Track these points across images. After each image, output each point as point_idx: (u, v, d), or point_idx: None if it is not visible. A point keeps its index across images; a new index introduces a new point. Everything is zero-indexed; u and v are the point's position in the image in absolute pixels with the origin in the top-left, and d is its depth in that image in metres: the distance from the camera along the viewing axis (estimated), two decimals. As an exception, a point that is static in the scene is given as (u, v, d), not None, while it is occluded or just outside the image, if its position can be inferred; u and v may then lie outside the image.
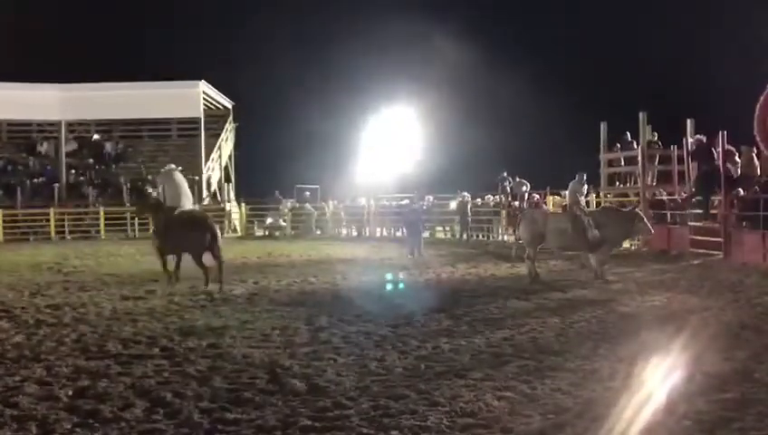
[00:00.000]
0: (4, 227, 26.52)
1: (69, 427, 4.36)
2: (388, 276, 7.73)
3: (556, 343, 6.68)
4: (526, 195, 22.10)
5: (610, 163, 19.25)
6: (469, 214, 22.86)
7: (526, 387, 5.08)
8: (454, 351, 6.30)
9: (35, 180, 30.48)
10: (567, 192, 12.88)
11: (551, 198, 20.74)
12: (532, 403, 4.73)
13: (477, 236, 23.10)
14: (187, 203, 11.48)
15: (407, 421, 4.35)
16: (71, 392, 5.10)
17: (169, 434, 4.22)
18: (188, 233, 10.68)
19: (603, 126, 19.07)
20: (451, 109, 31.23)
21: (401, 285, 7.51)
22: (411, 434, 4.15)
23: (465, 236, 22.70)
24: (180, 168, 12.88)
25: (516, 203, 22.13)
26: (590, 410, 4.55)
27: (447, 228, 24.83)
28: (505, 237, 21.99)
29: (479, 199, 23.90)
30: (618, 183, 19.41)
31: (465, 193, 23.66)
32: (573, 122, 27.09)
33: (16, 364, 5.98)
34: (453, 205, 24.40)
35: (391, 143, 32.43)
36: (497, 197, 23.32)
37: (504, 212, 22.38)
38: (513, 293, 9.94)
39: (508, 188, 22.90)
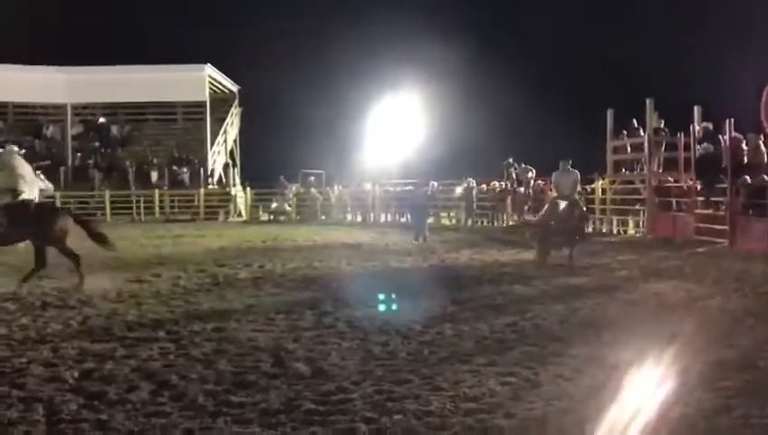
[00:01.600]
0: (11, 210, 26.57)
1: (75, 408, 4.40)
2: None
3: (559, 329, 6.69)
4: (531, 181, 22.06)
5: (616, 150, 19.18)
6: (474, 200, 22.85)
7: (529, 373, 5.09)
8: (457, 336, 6.33)
9: (41, 163, 30.54)
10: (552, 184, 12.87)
11: (556, 184, 20.70)
12: (536, 389, 4.75)
13: (482, 222, 23.10)
14: (26, 188, 10.66)
15: (410, 406, 4.38)
16: (77, 374, 5.14)
17: (175, 416, 4.24)
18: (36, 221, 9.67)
19: (609, 113, 18.99)
20: (456, 94, 31.12)
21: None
22: (415, 418, 4.17)
23: (470, 221, 22.72)
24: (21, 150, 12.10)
25: (522, 189, 22.10)
26: (592, 396, 4.57)
27: (452, 214, 24.83)
28: (510, 223, 22.00)
29: (484, 185, 23.87)
30: (624, 170, 19.35)
31: (471, 179, 23.62)
32: (579, 109, 27.02)
33: (23, 346, 6.02)
34: (458, 190, 24.38)
35: (396, 129, 32.37)
36: (503, 183, 23.28)
37: (509, 198, 22.36)
38: (517, 279, 9.95)
39: (514, 175, 22.87)
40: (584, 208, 11.73)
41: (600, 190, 18.95)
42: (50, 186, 15.62)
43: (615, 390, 4.67)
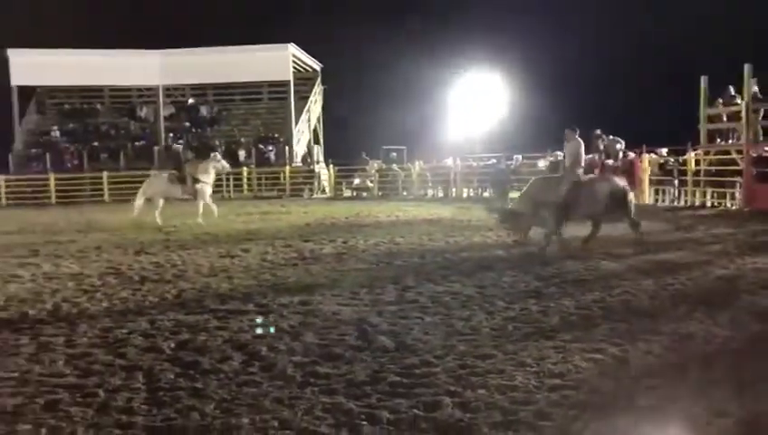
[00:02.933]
0: (110, 189, 28.01)
1: (172, 377, 4.63)
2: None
3: (649, 305, 6.51)
4: (621, 153, 21.35)
5: (711, 119, 18.27)
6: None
7: (617, 350, 4.99)
8: (542, 312, 6.25)
9: (136, 143, 31.97)
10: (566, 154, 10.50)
11: (647, 156, 19.94)
12: (623, 366, 4.65)
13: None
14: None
15: (493, 381, 4.38)
16: (173, 345, 5.41)
17: (265, 386, 4.40)
18: None
19: (704, 79, 18.06)
20: (541, 66, 30.38)
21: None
22: (498, 393, 4.17)
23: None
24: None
25: (610, 161, 21.43)
26: (683, 374, 4.44)
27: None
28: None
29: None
30: (719, 140, 18.43)
31: (559, 152, 23.09)
32: (670, 76, 25.85)
33: (123, 318, 6.37)
34: (541, 164, 23.91)
35: (478, 103, 31.95)
36: (590, 155, 22.64)
37: (597, 171, 21.74)
38: (603, 254, 9.70)
39: (601, 147, 22.18)
40: (579, 182, 9.97)
41: (693, 162, 18.13)
42: (226, 166, 17.06)
43: (707, 368, 4.52)
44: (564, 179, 10.08)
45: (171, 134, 32.62)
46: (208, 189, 16.06)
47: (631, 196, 10.44)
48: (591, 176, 10.25)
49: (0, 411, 4.03)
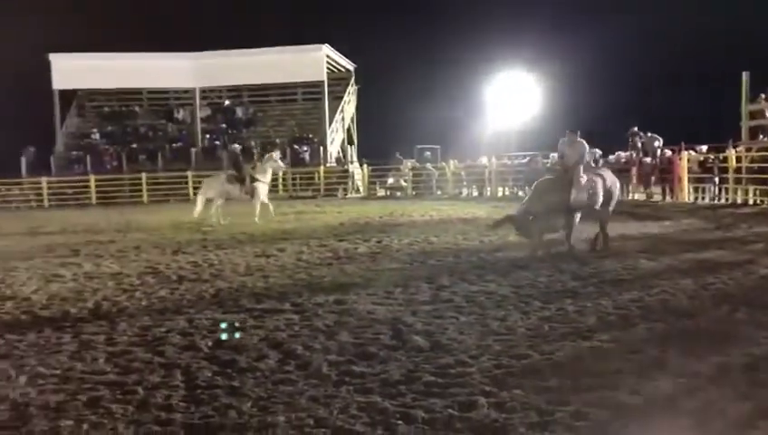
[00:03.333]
0: (148, 190, 28.49)
1: (209, 375, 4.69)
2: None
3: (689, 305, 6.39)
4: (659, 151, 20.99)
5: (753, 115, 17.85)
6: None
7: (655, 350, 4.91)
8: (578, 312, 6.18)
9: (174, 145, 32.45)
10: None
11: (686, 153, 19.57)
12: (662, 367, 4.57)
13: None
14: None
15: (529, 381, 4.34)
16: (210, 343, 5.48)
17: (300, 385, 4.43)
18: None
19: (745, 76, 17.65)
20: (578, 62, 30.02)
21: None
22: (534, 393, 4.13)
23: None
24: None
25: (648, 159, 21.09)
26: (725, 375, 4.35)
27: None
28: (636, 196, 21.11)
29: (611, 156, 22.99)
30: (761, 136, 17.98)
31: (597, 150, 22.82)
32: (710, 72, 25.32)
33: (162, 316, 6.47)
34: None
35: (513, 100, 31.70)
36: (628, 153, 22.30)
37: (634, 169, 21.42)
38: (642, 253, 9.55)
39: (639, 144, 21.82)
40: (583, 185, 9.67)
41: (734, 159, 17.72)
42: (282, 165, 17.70)
43: (750, 370, 4.42)
44: (570, 180, 9.74)
45: (208, 136, 33.05)
46: (265, 189, 16.31)
47: (618, 190, 10.53)
48: (589, 173, 9.99)
49: (43, 407, 4.13)
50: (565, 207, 9.58)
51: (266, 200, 16.18)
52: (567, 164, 9.97)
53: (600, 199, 9.91)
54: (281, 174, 29.07)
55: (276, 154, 17.21)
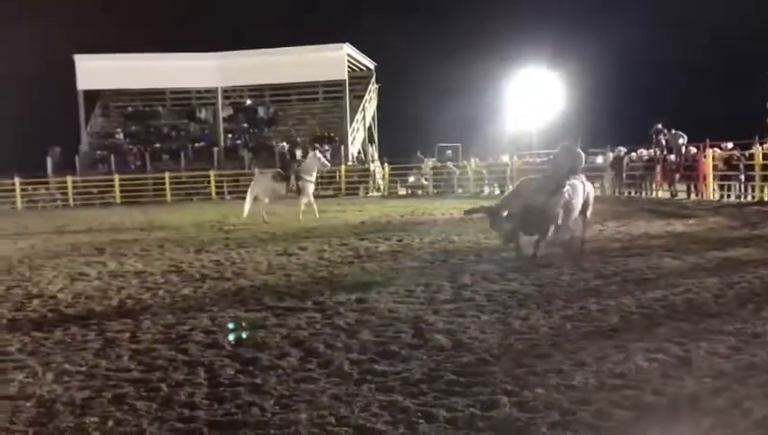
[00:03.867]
0: (171, 189, 28.76)
1: (232, 373, 4.72)
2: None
3: (714, 304, 6.30)
4: (683, 148, 20.74)
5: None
6: (625, 169, 21.93)
7: (679, 349, 4.85)
8: (602, 311, 6.12)
9: (196, 145, 32.72)
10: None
11: (710, 150, 19.31)
12: (686, 366, 4.52)
13: (630, 192, 22.10)
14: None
15: (552, 380, 4.32)
16: (232, 341, 5.52)
17: (322, 383, 4.45)
18: None
19: (772, 71, 17.40)
20: (601, 60, 29.75)
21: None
22: (557, 393, 4.10)
23: (617, 191, 21.86)
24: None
25: (672, 157, 20.85)
26: (750, 375, 4.29)
27: (597, 185, 23.91)
28: (660, 194, 20.89)
29: (634, 153, 22.78)
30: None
31: (621, 147, 22.62)
32: (735, 69, 24.96)
33: (185, 314, 6.52)
34: (600, 160, 23.47)
35: (535, 98, 31.50)
36: (651, 150, 22.07)
37: (658, 167, 21.19)
38: (667, 252, 9.44)
39: (663, 141, 21.58)
40: (571, 192, 9.20)
41: (761, 156, 17.45)
42: (327, 164, 17.76)
43: (777, 370, 4.36)
44: (555, 187, 9.14)
45: (230, 135, 33.26)
46: (311, 188, 16.42)
47: (592, 197, 10.07)
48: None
49: (69, 404, 4.18)
50: (540, 212, 8.93)
51: (312, 199, 16.31)
52: (557, 171, 9.48)
53: (578, 208, 9.50)
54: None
55: (318, 152, 17.26)
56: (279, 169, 16.72)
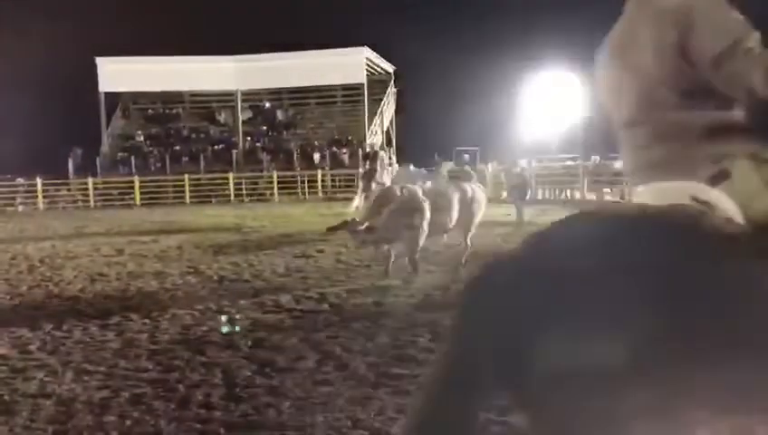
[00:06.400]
0: (190, 190, 28.96)
1: (249, 374, 4.73)
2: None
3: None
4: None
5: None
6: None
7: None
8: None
9: (215, 147, 32.93)
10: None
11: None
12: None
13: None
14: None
15: (569, 386, 4.27)
16: (250, 343, 5.53)
17: (338, 386, 4.44)
18: None
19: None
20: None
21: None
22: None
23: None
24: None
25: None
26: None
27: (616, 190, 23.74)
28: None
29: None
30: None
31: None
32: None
33: (203, 316, 6.57)
34: (617, 165, 23.28)
35: (554, 101, 31.32)
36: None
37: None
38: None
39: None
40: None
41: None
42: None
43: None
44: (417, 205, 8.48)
45: (249, 138, 33.43)
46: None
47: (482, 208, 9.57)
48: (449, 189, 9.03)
49: (88, 403, 4.22)
50: (408, 227, 8.33)
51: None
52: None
53: (453, 219, 9.01)
54: (319, 176, 29.32)
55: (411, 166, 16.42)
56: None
